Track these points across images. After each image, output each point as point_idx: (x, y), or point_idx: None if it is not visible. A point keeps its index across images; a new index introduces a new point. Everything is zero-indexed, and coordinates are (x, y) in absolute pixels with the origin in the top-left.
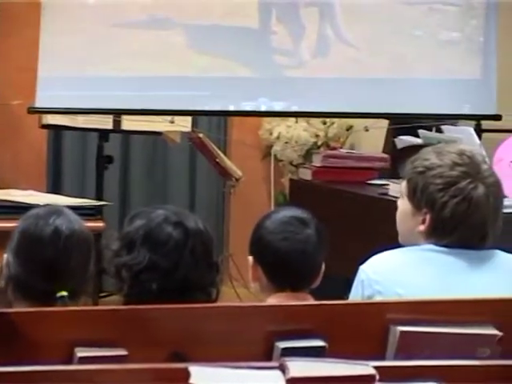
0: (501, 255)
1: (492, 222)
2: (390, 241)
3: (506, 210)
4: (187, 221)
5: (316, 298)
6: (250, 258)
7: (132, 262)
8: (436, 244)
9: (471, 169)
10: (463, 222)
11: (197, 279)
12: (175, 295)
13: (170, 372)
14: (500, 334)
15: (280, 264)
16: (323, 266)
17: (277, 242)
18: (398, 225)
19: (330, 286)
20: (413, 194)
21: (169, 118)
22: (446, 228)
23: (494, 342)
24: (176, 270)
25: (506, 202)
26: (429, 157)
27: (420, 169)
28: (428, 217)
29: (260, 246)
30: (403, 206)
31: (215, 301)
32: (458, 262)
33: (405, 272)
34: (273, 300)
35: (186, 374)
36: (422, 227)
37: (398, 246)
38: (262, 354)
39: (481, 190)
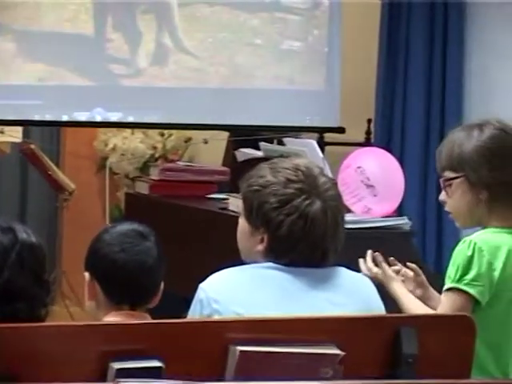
0: (343, 272)
1: (332, 238)
2: (232, 257)
3: (348, 226)
4: (18, 231)
5: (154, 318)
6: (87, 274)
7: None
8: (276, 262)
9: (307, 184)
10: (301, 240)
11: (22, 289)
12: None
13: None
14: (342, 353)
15: (117, 277)
16: (162, 284)
17: (114, 253)
18: (239, 243)
19: (168, 304)
20: (249, 214)
21: None
22: (284, 247)
23: (336, 361)
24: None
25: (348, 217)
26: (263, 173)
27: (255, 187)
28: (265, 236)
29: (96, 260)
30: (242, 224)
31: (43, 321)
32: (298, 280)
33: (244, 290)
34: (110, 319)
35: None
36: (260, 247)
37: (240, 262)
38: (96, 374)
39: (317, 205)
